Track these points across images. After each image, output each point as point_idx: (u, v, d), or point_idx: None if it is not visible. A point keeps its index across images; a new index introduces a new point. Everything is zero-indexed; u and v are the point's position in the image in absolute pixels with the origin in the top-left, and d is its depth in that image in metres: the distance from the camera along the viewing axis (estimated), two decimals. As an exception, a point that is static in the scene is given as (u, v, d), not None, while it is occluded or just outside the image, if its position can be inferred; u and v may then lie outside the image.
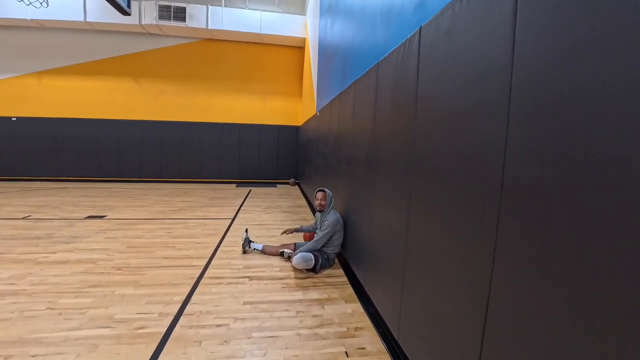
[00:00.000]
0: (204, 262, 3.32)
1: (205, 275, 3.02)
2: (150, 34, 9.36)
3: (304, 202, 7.15)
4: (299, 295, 2.70)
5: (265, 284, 2.87)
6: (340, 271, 3.27)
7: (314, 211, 5.93)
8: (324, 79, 5.87)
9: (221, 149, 9.83)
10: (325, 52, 5.85)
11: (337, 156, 3.68)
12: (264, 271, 3.18)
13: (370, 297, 2.49)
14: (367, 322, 2.33)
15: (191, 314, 2.33)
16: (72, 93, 9.37)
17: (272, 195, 7.90)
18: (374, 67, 2.37)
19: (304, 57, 9.91)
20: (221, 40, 9.73)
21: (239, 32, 9.12)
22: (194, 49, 9.69)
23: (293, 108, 10.34)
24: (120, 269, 3.09)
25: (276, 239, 4.23)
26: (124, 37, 9.33)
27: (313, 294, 2.72)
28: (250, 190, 8.68)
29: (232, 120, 9.90)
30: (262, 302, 2.55)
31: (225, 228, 4.69)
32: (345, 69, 3.89)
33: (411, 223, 1.71)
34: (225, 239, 4.17)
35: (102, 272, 3.00)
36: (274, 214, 5.76)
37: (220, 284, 2.84)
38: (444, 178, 1.39)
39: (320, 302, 2.60)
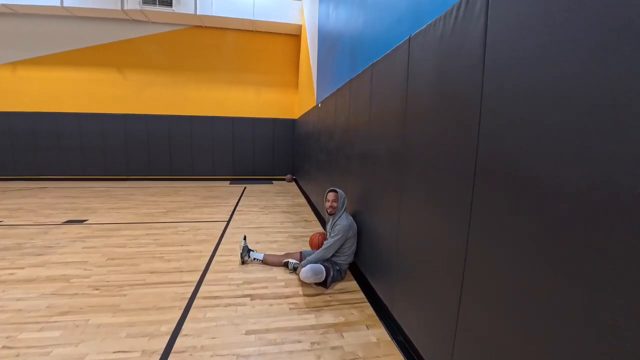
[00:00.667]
0: (196, 277, 2.87)
1: (199, 294, 2.57)
2: (134, 21, 8.69)
3: (303, 200, 6.72)
4: (311, 319, 2.28)
5: (270, 305, 2.44)
6: (354, 284, 2.86)
7: (315, 210, 5.52)
8: (326, 68, 5.39)
9: (213, 144, 9.29)
10: (327, 38, 5.36)
11: (347, 152, 3.24)
12: (266, 287, 2.74)
13: (398, 321, 2.08)
14: (396, 354, 1.93)
15: (182, 351, 1.89)
16: (50, 85, 8.68)
17: (269, 193, 7.44)
18: (404, 43, 1.92)
19: (300, 46, 9.36)
20: (211, 27, 9.12)
21: (230, 18, 8.52)
22: (182, 37, 9.06)
23: (289, 100, 9.82)
24: (97, 289, 2.62)
25: (278, 246, 3.79)
26: (106, 24, 8.65)
27: (328, 317, 2.31)
28: (245, 187, 8.20)
29: (224, 113, 9.35)
30: (268, 331, 2.12)
31: (220, 232, 4.23)
32: (355, 54, 3.43)
33: (472, 246, 1.30)
34: (221, 246, 3.72)
35: (76, 294, 2.53)
36: (272, 215, 5.31)
37: (217, 306, 2.40)
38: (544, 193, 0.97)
39: (338, 327, 2.19)
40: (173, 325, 2.13)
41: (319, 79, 6.08)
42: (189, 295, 2.54)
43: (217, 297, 2.54)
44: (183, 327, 2.12)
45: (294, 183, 9.25)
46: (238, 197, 6.80)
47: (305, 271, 2.63)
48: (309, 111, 6.50)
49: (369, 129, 2.58)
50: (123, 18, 8.56)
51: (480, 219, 1.25)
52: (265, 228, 4.53)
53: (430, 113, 1.63)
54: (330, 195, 2.93)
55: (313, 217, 5.29)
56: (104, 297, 2.49)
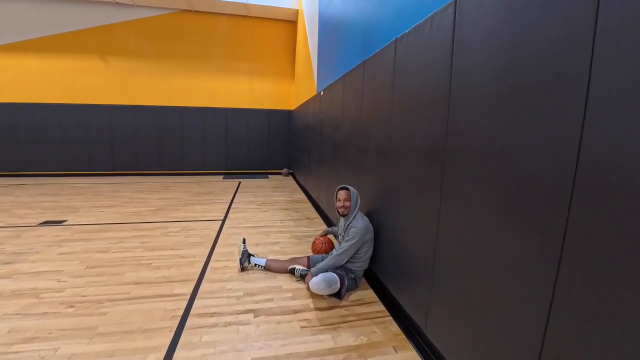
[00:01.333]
0: (189, 288, 2.49)
1: (193, 310, 2.19)
2: (118, 4, 8.07)
3: (302, 195, 6.34)
4: (327, 340, 1.93)
5: (278, 323, 2.08)
6: (371, 293, 2.52)
7: (317, 207, 5.15)
8: (329, 53, 4.98)
9: (205, 137, 8.80)
10: (330, 21, 4.93)
11: (360, 145, 2.86)
12: (272, 299, 2.38)
13: (434, 342, 1.74)
14: (435, 386, 1.60)
15: (174, 391, 1.52)
16: (28, 74, 8.03)
17: (265, 189, 7.04)
18: (448, 5, 1.54)
19: (296, 32, 8.88)
20: (201, 11, 8.55)
21: (221, 1, 7.97)
22: (170, 21, 8.48)
23: (285, 90, 9.36)
24: (72, 306, 2.22)
25: (280, 248, 3.43)
26: (87, 7, 8.02)
27: (347, 337, 1.96)
28: (239, 182, 7.77)
29: (216, 104, 8.85)
30: (277, 358, 1.76)
31: (215, 234, 3.84)
32: (369, 33, 3.03)
33: (566, 268, 0.95)
34: (216, 249, 3.33)
35: (46, 313, 2.13)
36: (271, 213, 4.93)
37: (215, 325, 2.03)
38: None
39: (361, 351, 1.84)
40: (162, 355, 1.75)
41: (320, 66, 5.66)
42: (181, 313, 2.16)
43: (214, 313, 2.16)
44: (174, 356, 1.74)
45: (290, 177, 8.86)
46: (233, 193, 6.39)
47: (317, 282, 2.28)
48: (308, 101, 6.08)
49: (391, 117, 2.20)
50: (106, 0, 7.94)
51: (582, 232, 0.90)
52: (264, 227, 4.15)
53: (492, 94, 1.27)
54: (342, 194, 2.56)
55: (315, 214, 4.93)
56: (79, 316, 2.09)
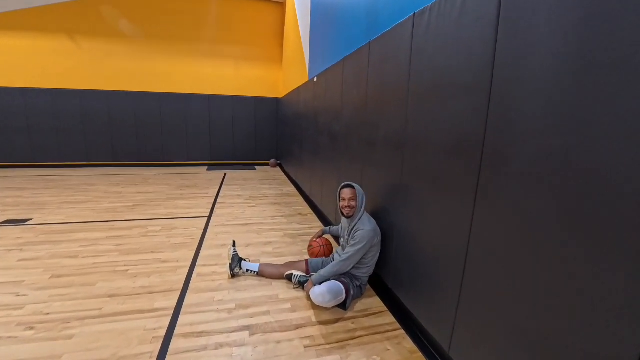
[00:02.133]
0: (173, 301, 2.18)
1: (178, 329, 1.89)
2: (87, -22, 7.34)
3: (292, 188, 6.04)
4: (336, 363, 1.68)
5: (278, 342, 1.81)
6: (378, 302, 2.29)
7: (309, 201, 4.87)
8: (323, 36, 4.62)
9: (187, 125, 8.27)
10: (323, 3, 4.55)
11: (365, 136, 2.58)
12: (268, 312, 2.11)
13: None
14: (466, 419, 1.38)
15: None
16: (-15, 54, 7.25)
17: (253, 181, 6.68)
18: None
19: (284, 15, 8.39)
20: (181, -10, 7.92)
21: (203, -21, 7.38)
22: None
23: (272, 77, 8.89)
24: (32, 327, 1.87)
25: (273, 249, 3.14)
26: (51, -20, 7.24)
27: (358, 358, 1.71)
28: (225, 174, 7.37)
29: (199, 90, 8.30)
30: (281, 390, 1.50)
31: (201, 233, 3.50)
32: (376, 10, 2.71)
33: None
34: (202, 252, 3.01)
35: (-3, 337, 1.78)
36: (261, 208, 4.61)
37: (205, 349, 1.74)
38: None
39: (375, 377, 1.60)
40: (141, 391, 1.45)
41: (313, 50, 5.28)
42: (163, 333, 1.85)
43: (202, 333, 1.87)
44: (156, 393, 1.45)
45: (278, 169, 8.51)
46: (218, 186, 6.01)
47: (321, 293, 2.01)
48: (299, 88, 5.72)
49: (406, 105, 1.92)
50: (72, -27, 7.20)
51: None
52: (254, 225, 3.84)
53: (557, 78, 1.00)
54: (347, 192, 2.28)
55: (308, 209, 4.65)
56: (40, 341, 1.75)
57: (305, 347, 1.79)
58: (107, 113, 7.72)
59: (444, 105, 1.56)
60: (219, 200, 4.98)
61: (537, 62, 1.07)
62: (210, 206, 4.61)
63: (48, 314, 2.00)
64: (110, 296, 2.21)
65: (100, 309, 2.06)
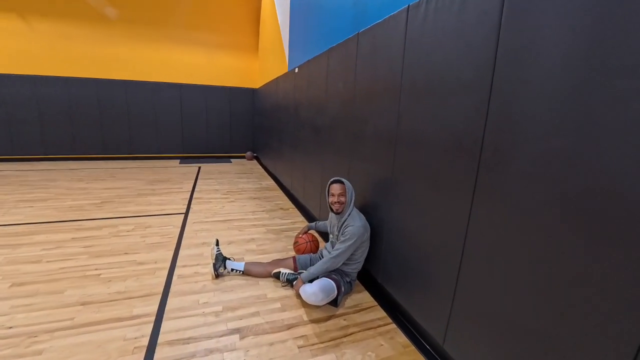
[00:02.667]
0: (154, 306, 2.04)
1: (162, 337, 1.77)
2: (37, -50, 6.62)
3: (271, 182, 5.92)
4: (332, 363, 1.66)
5: (271, 345, 1.76)
6: (367, 296, 2.29)
7: (290, 195, 4.79)
8: (305, 26, 4.48)
9: (157, 116, 7.81)
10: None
11: (353, 130, 2.53)
12: (258, 312, 2.04)
13: (455, 358, 1.55)
14: (462, 411, 1.41)
15: None
16: None
17: (229, 174, 6.47)
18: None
19: (260, 3, 8.07)
20: (147, -31, 7.36)
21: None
22: (107, -22, 7.18)
23: (248, 66, 8.58)
24: (-9, 343, 1.67)
25: (257, 246, 3.05)
26: (-6, -50, 6.45)
27: (353, 355, 1.70)
28: (199, 167, 7.08)
29: (170, 78, 7.84)
30: (278, 395, 1.45)
31: (178, 231, 3.33)
32: (363, 2, 2.64)
33: None
34: (181, 251, 2.86)
35: (-50, 358, 1.57)
36: (240, 203, 4.47)
37: (193, 356, 1.64)
38: None
39: (372, 374, 1.60)
40: (126, 408, 1.34)
41: (293, 40, 5.12)
42: (146, 342, 1.73)
43: (190, 339, 1.77)
44: (143, 408, 1.35)
45: (255, 162, 8.31)
46: (193, 180, 5.76)
47: (313, 292, 1.97)
48: (277, 78, 5.55)
49: (398, 100, 1.89)
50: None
51: None
52: (235, 221, 3.71)
53: (564, 77, 1.00)
54: (336, 188, 2.24)
55: (289, 203, 4.57)
56: (5, 359, 1.57)
57: (299, 347, 1.75)
58: (67, 101, 7.10)
59: (441, 102, 1.54)
60: (195, 195, 4.77)
61: (543, 61, 1.06)
62: (187, 202, 4.40)
63: (11, 327, 1.80)
64: (83, 304, 2.03)
65: (71, 319, 1.89)
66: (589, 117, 0.94)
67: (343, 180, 2.27)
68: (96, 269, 2.47)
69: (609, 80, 0.89)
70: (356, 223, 2.15)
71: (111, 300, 2.08)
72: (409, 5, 1.76)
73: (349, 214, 2.22)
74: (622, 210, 0.86)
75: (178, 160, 7.90)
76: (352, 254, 2.20)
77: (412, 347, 1.80)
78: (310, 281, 2.12)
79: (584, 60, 0.95)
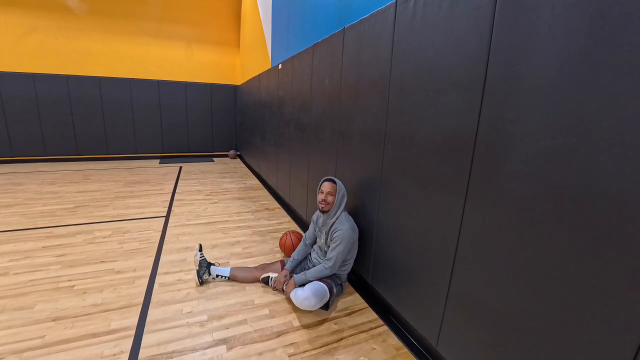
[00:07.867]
0: (134, 319, 1.92)
1: (143, 352, 1.66)
2: (-4, -63, 6.14)
3: (256, 181, 5.79)
4: (324, 371, 1.60)
5: (260, 354, 1.68)
6: (357, 298, 2.25)
7: (275, 195, 4.70)
8: (288, 20, 4.37)
9: (134, 114, 7.48)
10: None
11: (339, 128, 2.47)
12: (245, 320, 1.95)
13: (444, 355, 1.53)
14: (458, 415, 1.39)
15: None
16: None
17: (212, 174, 6.29)
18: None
19: (240, -4, 7.85)
20: (119, -40, 6.98)
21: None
22: (75, -32, 6.77)
23: (229, 62, 8.35)
24: (-51, 369, 1.52)
25: (242, 249, 2.95)
26: None
27: (345, 363, 1.65)
28: (180, 167, 6.85)
29: (147, 75, 7.52)
30: (269, 409, 1.38)
31: (159, 235, 3.18)
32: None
33: None
34: (162, 257, 2.72)
35: None
36: (224, 204, 4.33)
37: (177, 372, 1.55)
38: None
39: (366, 381, 1.56)
40: None
41: (276, 37, 4.99)
42: (126, 358, 1.61)
43: (173, 353, 1.67)
44: None
45: (238, 160, 8.13)
46: (174, 181, 5.55)
47: (306, 298, 1.90)
48: (260, 75, 5.41)
49: (386, 98, 1.84)
50: None
51: None
52: (218, 223, 3.59)
53: (563, 77, 0.97)
54: (326, 186, 2.17)
55: (274, 203, 4.48)
56: (-38, 387, 1.43)
57: (289, 355, 1.68)
58: (34, 99, 6.67)
59: (431, 100, 1.50)
60: (176, 197, 4.59)
61: (537, 59, 1.03)
62: (167, 204, 4.22)
63: (-28, 349, 1.64)
64: (54, 320, 1.88)
65: (42, 337, 1.74)
66: (585, 115, 0.91)
67: (336, 180, 2.21)
68: (69, 280, 2.31)
69: (605, 78, 0.86)
70: (344, 226, 2.09)
71: (86, 314, 1.94)
72: (396, 1, 1.70)
73: (338, 216, 2.16)
74: (616, 209, 0.85)
75: (158, 160, 7.62)
76: (342, 256, 2.15)
77: (405, 350, 1.77)
78: (301, 285, 2.06)
79: (580, 58, 0.92)
